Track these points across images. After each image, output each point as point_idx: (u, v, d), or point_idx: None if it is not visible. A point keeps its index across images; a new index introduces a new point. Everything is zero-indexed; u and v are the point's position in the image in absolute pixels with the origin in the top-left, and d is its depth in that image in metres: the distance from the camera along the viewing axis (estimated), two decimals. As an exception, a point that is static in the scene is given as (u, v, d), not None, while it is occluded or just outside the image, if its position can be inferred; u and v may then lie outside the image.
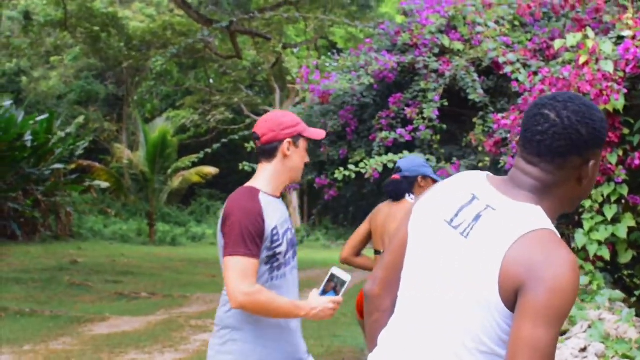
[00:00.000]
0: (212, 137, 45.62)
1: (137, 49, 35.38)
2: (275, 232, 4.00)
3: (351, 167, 6.76)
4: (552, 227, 2.24)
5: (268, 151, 4.11)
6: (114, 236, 33.89)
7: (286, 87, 39.27)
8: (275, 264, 4.04)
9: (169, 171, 36.87)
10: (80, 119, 31.88)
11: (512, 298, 2.16)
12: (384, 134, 7.14)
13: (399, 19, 36.83)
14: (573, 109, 2.30)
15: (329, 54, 8.54)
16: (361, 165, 6.72)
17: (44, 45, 37.50)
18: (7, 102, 29.90)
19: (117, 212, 38.11)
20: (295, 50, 36.56)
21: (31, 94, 43.12)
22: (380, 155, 7.15)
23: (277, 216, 4.05)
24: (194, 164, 37.93)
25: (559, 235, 2.21)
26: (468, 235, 2.31)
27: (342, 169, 6.71)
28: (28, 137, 27.36)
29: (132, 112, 44.17)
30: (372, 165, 6.63)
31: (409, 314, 2.44)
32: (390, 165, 6.68)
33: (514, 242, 2.19)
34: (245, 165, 8.39)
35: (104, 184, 34.67)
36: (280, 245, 4.02)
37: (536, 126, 2.32)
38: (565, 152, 2.30)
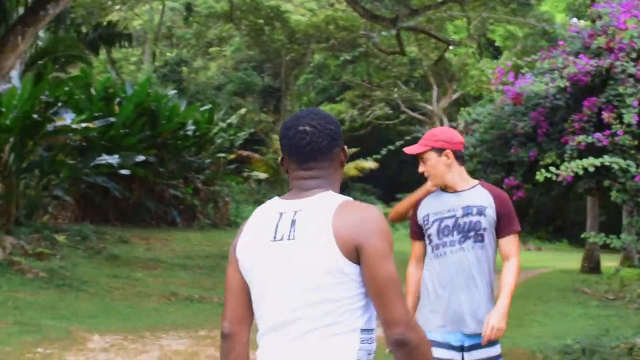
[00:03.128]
0: (366, 131, 45.85)
1: (299, 42, 35.84)
2: (425, 219, 4.97)
3: (552, 169, 6.73)
4: (348, 198, 2.85)
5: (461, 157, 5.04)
6: (271, 228, 34.40)
7: (444, 84, 39.13)
8: (432, 244, 4.93)
9: (327, 164, 37.16)
10: (242, 110, 32.49)
11: (353, 253, 2.71)
12: (580, 137, 7.07)
13: (559, 18, 36.13)
14: (317, 118, 2.94)
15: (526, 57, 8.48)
16: (562, 167, 6.69)
17: (207, 36, 38.38)
18: (172, 92, 30.84)
19: (271, 202, 38.65)
20: (450, 48, 36.36)
21: (191, 83, 44.24)
22: (573, 158, 7.11)
23: (435, 206, 4.95)
24: (351, 158, 38.17)
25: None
26: (294, 237, 2.79)
27: (543, 170, 6.70)
28: (190, 126, 28.09)
29: (290, 104, 44.76)
30: (574, 168, 6.60)
31: (275, 327, 2.85)
32: (592, 170, 6.63)
33: (333, 214, 2.75)
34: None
35: (262, 175, 35.20)
36: (429, 229, 4.94)
37: (301, 141, 2.91)
38: (330, 146, 2.92)
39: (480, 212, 4.87)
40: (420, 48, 35.61)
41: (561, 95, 7.79)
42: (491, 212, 4.86)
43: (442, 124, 39.07)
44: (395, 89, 39.51)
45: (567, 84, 7.39)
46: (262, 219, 2.93)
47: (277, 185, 41.05)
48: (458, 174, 4.99)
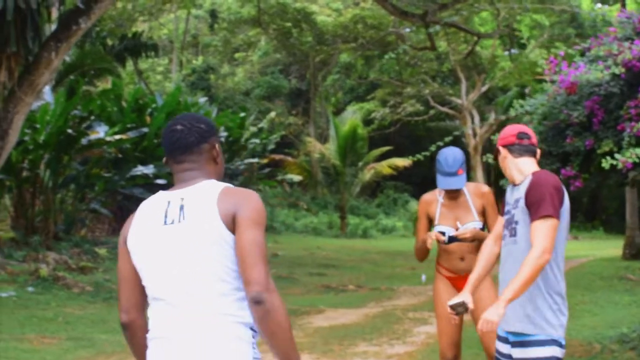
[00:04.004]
0: (395, 128, 45.71)
1: (328, 43, 35.79)
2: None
3: (618, 156, 6.60)
4: (229, 185, 3.28)
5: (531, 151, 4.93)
6: (306, 229, 34.44)
7: (472, 77, 38.90)
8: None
9: (360, 164, 37.10)
10: (273, 114, 32.51)
11: (231, 224, 3.13)
12: (639, 124, 6.95)
13: (585, 5, 35.82)
14: (188, 119, 3.42)
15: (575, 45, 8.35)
16: (627, 154, 6.55)
17: (234, 42, 38.44)
18: (202, 99, 30.91)
19: (307, 205, 38.70)
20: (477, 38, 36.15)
21: (219, 90, 44.32)
22: (630, 145, 6.99)
23: (507, 197, 4.93)
24: (382, 157, 38.10)
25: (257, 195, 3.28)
26: (184, 219, 3.20)
27: (609, 158, 6.57)
28: (223, 132, 28.13)
29: (318, 106, 44.72)
30: (639, 155, 6.48)
31: (165, 304, 3.20)
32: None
33: (217, 197, 3.18)
34: (488, 158, 8.23)
35: (296, 178, 35.26)
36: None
37: (172, 138, 3.37)
38: (197, 142, 3.36)
39: (516, 205, 4.77)
40: (449, 42, 35.42)
41: (615, 82, 7.64)
42: (522, 202, 4.68)
43: (472, 117, 38.91)
44: (423, 85, 39.30)
45: (622, 70, 7.26)
46: (151, 209, 3.32)
47: (310, 187, 41.06)
48: (515, 167, 4.88)
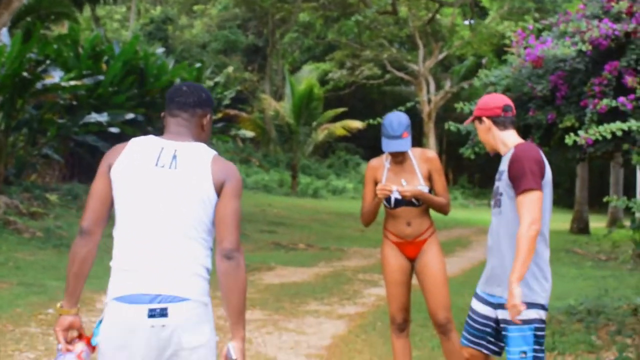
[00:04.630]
0: (350, 90, 45.74)
1: (289, 1, 35.57)
2: None
3: (581, 132, 6.70)
4: (216, 152, 3.70)
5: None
6: (257, 185, 34.46)
7: (430, 44, 38.97)
8: None
9: (314, 124, 37.11)
10: (230, 69, 32.32)
11: (219, 188, 3.59)
12: (605, 101, 7.03)
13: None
14: (195, 86, 3.87)
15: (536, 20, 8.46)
16: (590, 131, 6.66)
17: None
18: (159, 50, 30.61)
19: (259, 162, 38.68)
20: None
21: (177, 42, 43.92)
22: (592, 122, 7.10)
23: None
24: (336, 118, 38.15)
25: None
26: (176, 167, 3.61)
27: (572, 134, 6.67)
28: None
29: (275, 63, 44.54)
30: (602, 132, 6.59)
31: (139, 236, 3.58)
32: (620, 133, 6.62)
33: (210, 162, 3.62)
34: (451, 125, 8.34)
35: (249, 134, 35.16)
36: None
37: (175, 94, 3.82)
38: (193, 105, 3.77)
39: (500, 177, 4.96)
40: (410, 8, 35.41)
41: (580, 59, 7.73)
42: (506, 175, 4.87)
43: (427, 84, 39.04)
44: (382, 49, 39.26)
45: (589, 47, 7.34)
46: (143, 148, 3.68)
47: (263, 144, 41.01)
48: (499, 138, 5.06)
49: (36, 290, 10.16)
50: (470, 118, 5.29)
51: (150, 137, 3.77)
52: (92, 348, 3.69)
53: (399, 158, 6.07)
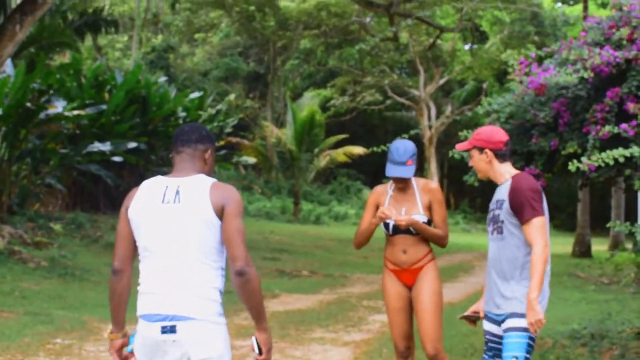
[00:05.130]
0: (352, 116, 45.87)
1: (290, 28, 35.76)
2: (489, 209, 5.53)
3: (584, 159, 6.82)
4: (216, 180, 4.15)
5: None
6: (259, 213, 34.48)
7: (431, 69, 39.13)
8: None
9: (316, 150, 37.18)
10: (231, 97, 32.43)
11: (220, 212, 4.04)
12: (607, 127, 7.12)
13: (546, 4, 36.16)
14: (196, 125, 4.42)
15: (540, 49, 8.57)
16: (593, 158, 6.77)
17: (196, 23, 38.23)
18: (162, 79, 30.74)
19: (261, 189, 38.73)
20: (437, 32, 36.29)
21: (178, 70, 44.08)
22: (595, 148, 7.20)
23: (493, 198, 5.46)
24: (337, 144, 38.22)
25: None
26: (179, 202, 4.09)
27: (575, 161, 6.78)
28: (181, 113, 28.03)
29: (276, 90, 44.68)
30: (605, 159, 6.69)
31: (158, 265, 4.09)
32: (622, 160, 6.72)
33: (209, 189, 4.07)
34: (455, 153, 8.43)
35: (251, 161, 35.23)
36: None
37: (180, 133, 4.33)
38: (195, 140, 4.26)
39: (500, 206, 5.35)
40: (411, 34, 35.59)
41: (582, 86, 7.83)
42: (506, 204, 5.28)
43: (428, 109, 39.16)
44: (382, 75, 39.41)
45: (591, 74, 7.44)
46: (151, 189, 4.19)
47: (265, 171, 41.06)
48: (498, 170, 5.44)
49: (43, 320, 10.22)
50: (468, 145, 5.54)
51: (158, 177, 4.31)
52: (130, 354, 4.35)
53: (401, 185, 6.20)
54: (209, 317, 4.09)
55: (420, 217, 6.11)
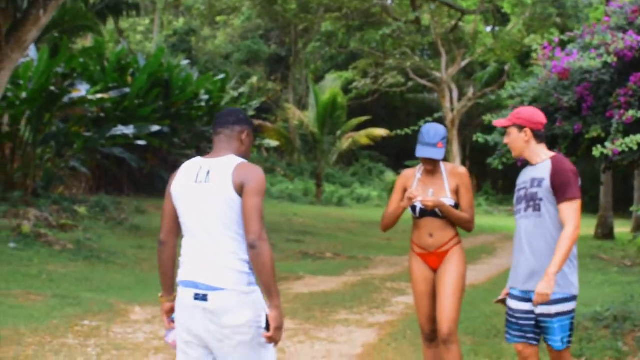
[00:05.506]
0: (373, 99, 45.84)
1: (312, 11, 35.72)
2: (516, 187, 5.76)
3: (608, 144, 6.86)
4: (245, 160, 4.47)
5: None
6: (281, 195, 34.58)
7: (452, 51, 38.98)
8: (515, 210, 5.73)
9: (338, 132, 37.22)
10: (254, 80, 32.54)
11: (240, 190, 4.33)
12: (631, 112, 7.15)
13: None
14: (235, 110, 4.71)
15: (565, 32, 8.58)
16: (617, 144, 6.81)
17: (218, 6, 38.23)
18: (184, 62, 30.86)
19: (284, 171, 38.80)
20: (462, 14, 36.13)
21: (200, 53, 44.14)
22: (618, 132, 7.23)
23: (521, 177, 5.74)
24: (359, 126, 38.22)
25: (260, 169, 4.43)
26: (209, 181, 4.41)
27: (599, 146, 6.83)
28: (203, 96, 28.15)
29: (298, 72, 44.69)
30: (629, 144, 6.74)
31: (193, 238, 4.49)
32: (642, 144, 6.75)
33: (233, 170, 4.37)
34: (479, 137, 8.51)
35: (274, 143, 35.31)
36: (515, 197, 5.74)
37: (219, 116, 4.67)
38: (232, 122, 4.61)
39: (539, 184, 5.52)
40: (433, 16, 35.47)
41: (606, 70, 7.86)
42: (547, 183, 5.47)
43: (450, 91, 39.05)
44: (404, 57, 39.27)
45: (614, 59, 7.47)
46: (188, 170, 4.54)
47: (287, 154, 41.12)
48: (535, 150, 5.66)
49: (71, 302, 10.33)
50: (507, 123, 5.75)
51: (196, 159, 4.68)
52: (172, 322, 4.75)
53: (430, 167, 6.23)
54: (238, 287, 4.40)
55: (448, 200, 6.15)
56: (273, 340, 4.40)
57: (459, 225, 6.25)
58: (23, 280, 11.73)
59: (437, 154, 6.13)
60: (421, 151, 6.17)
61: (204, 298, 4.42)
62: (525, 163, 5.81)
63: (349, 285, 13.63)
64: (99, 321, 9.42)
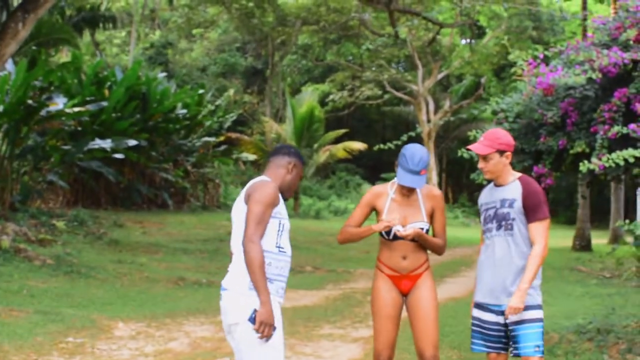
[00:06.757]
0: (350, 111, 45.92)
1: (289, 24, 35.79)
2: (481, 207, 6.01)
3: (594, 160, 6.94)
4: (267, 179, 5.12)
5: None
6: (259, 208, 34.50)
7: (429, 64, 39.12)
8: (483, 229, 5.94)
9: (315, 145, 37.21)
10: (230, 92, 32.53)
11: (247, 202, 4.97)
12: (616, 128, 7.22)
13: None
14: (288, 145, 5.22)
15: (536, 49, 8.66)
16: (603, 159, 6.88)
17: (195, 19, 38.27)
18: (161, 75, 30.80)
19: (261, 184, 38.68)
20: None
21: (177, 65, 44.11)
22: (603, 147, 7.30)
23: (487, 197, 5.92)
24: (336, 139, 38.25)
25: (274, 184, 5.06)
26: (239, 197, 5.09)
27: (586, 162, 6.90)
28: (181, 109, 28.12)
29: (274, 85, 44.71)
30: (615, 159, 6.80)
31: (235, 245, 5.13)
32: (632, 160, 6.81)
33: (250, 184, 5.09)
34: (463, 153, 8.45)
35: (251, 157, 35.29)
36: (481, 216, 5.98)
37: (275, 148, 5.41)
38: (284, 153, 5.29)
39: (511, 205, 5.74)
40: (410, 29, 35.61)
41: (590, 86, 7.94)
42: (518, 204, 5.71)
43: (426, 104, 39.16)
44: (381, 70, 39.37)
45: (599, 75, 7.54)
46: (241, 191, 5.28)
47: (264, 167, 41.08)
48: (509, 171, 5.86)
49: (53, 319, 10.25)
50: (489, 150, 5.78)
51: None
52: None
53: (407, 192, 6.05)
54: (240, 289, 4.97)
55: (424, 224, 6.00)
56: (263, 335, 4.84)
57: (432, 250, 6.15)
58: (4, 296, 11.62)
59: (420, 182, 5.92)
60: (404, 179, 5.91)
61: (221, 298, 5.11)
62: (489, 181, 5.94)
63: (330, 299, 13.64)
64: (83, 338, 9.37)
